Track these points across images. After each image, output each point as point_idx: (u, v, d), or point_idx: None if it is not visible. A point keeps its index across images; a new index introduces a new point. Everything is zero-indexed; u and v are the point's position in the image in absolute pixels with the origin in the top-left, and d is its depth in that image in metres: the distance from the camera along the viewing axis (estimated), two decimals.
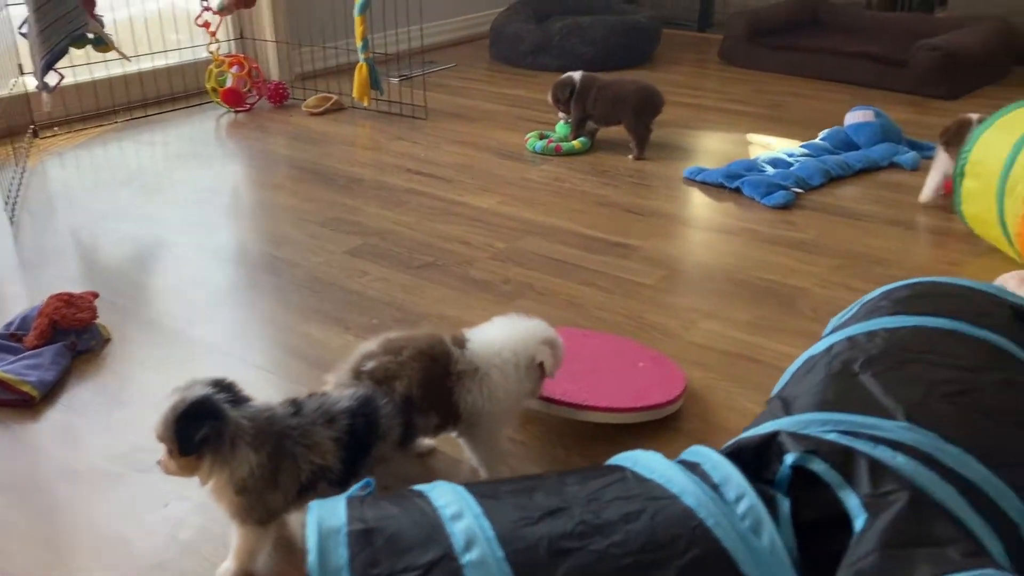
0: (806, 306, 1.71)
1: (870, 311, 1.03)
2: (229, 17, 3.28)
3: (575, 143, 2.65)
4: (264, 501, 1.00)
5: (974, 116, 2.15)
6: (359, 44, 2.98)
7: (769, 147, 2.68)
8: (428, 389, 1.12)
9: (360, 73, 3.01)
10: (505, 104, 3.23)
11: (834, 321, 1.13)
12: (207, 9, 2.96)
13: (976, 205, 1.90)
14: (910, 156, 2.49)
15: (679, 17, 4.59)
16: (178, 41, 3.16)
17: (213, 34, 3.00)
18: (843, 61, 3.45)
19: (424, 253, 1.98)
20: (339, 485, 1.06)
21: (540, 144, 2.66)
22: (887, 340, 0.92)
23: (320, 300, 1.77)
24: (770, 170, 2.40)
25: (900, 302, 1.01)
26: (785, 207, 2.21)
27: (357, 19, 2.94)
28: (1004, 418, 0.83)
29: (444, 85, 3.50)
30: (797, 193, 2.28)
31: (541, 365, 1.18)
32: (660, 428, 1.34)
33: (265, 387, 1.45)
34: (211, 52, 3.04)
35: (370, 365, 1.12)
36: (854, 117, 2.62)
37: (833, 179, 2.40)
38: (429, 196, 2.32)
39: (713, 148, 2.71)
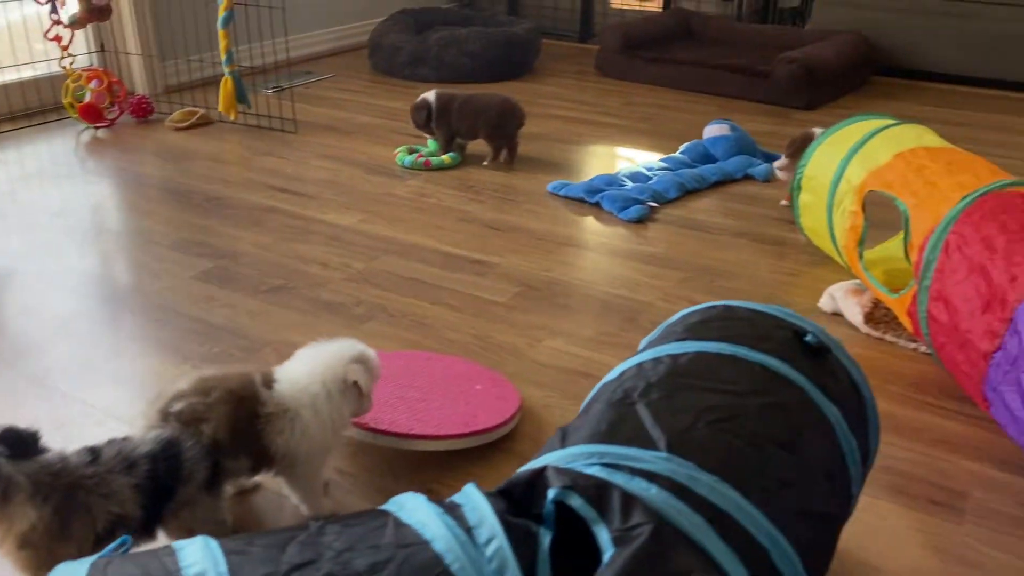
0: (647, 320, 1.76)
1: (665, 336, 1.06)
2: (90, 29, 3.16)
3: (445, 158, 2.66)
4: (54, 554, 0.96)
5: (817, 130, 2.25)
6: (223, 57, 2.91)
7: (633, 161, 2.75)
8: (236, 432, 1.10)
9: (225, 87, 2.95)
10: (380, 116, 3.21)
11: (642, 344, 1.17)
12: (57, 23, 2.84)
13: (811, 218, 1.99)
14: (763, 168, 2.59)
15: (560, 28, 4.65)
16: (45, 52, 3.02)
17: (65, 48, 2.88)
18: (711, 73, 3.56)
19: (276, 276, 1.95)
20: (142, 532, 1.03)
21: (409, 159, 2.66)
22: (669, 367, 0.96)
23: (160, 329, 1.72)
24: (629, 184, 2.46)
25: (690, 328, 1.05)
26: (640, 221, 2.27)
27: (220, 32, 2.88)
28: (766, 442, 0.86)
29: (320, 97, 3.45)
30: (652, 207, 2.34)
31: (356, 384, 1.17)
32: (492, 451, 1.35)
33: (91, 426, 1.40)
34: (64, 67, 2.92)
35: (178, 406, 1.10)
36: (711, 131, 2.71)
37: (689, 192, 2.47)
38: (289, 215, 2.29)
39: (581, 162, 2.75)
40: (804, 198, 1.99)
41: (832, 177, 1.86)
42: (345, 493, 1.27)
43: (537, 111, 3.30)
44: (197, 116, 3.05)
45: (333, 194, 2.44)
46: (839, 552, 1.15)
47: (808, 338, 1.04)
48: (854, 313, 1.75)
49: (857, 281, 1.84)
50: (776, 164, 2.33)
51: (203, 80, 3.36)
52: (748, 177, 2.59)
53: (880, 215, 1.89)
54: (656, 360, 0.98)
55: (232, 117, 3.01)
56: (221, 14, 2.85)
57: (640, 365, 0.99)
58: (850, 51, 3.56)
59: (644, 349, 1.09)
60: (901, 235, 1.98)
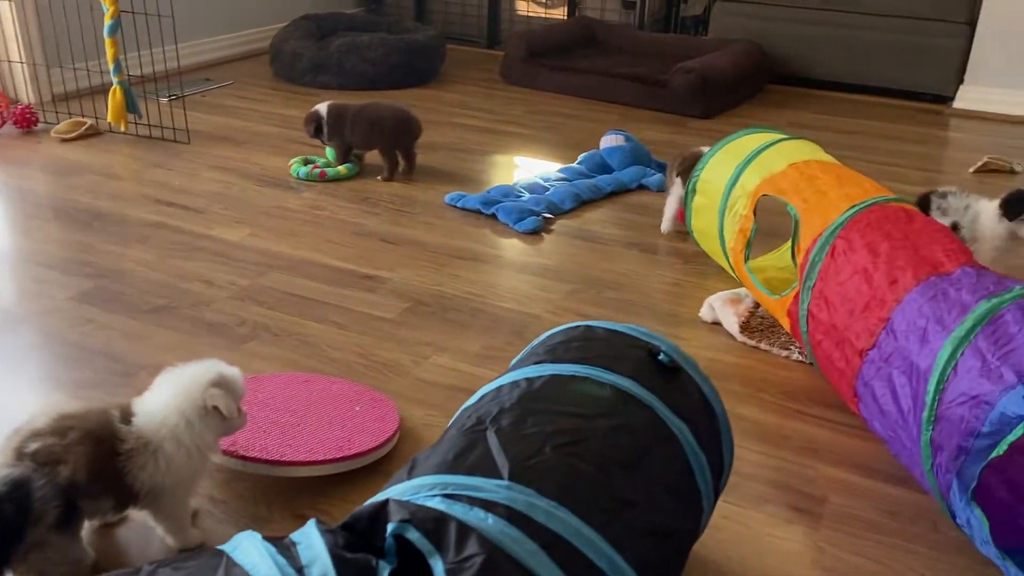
0: (533, 334, 1.77)
1: (528, 357, 1.08)
2: None
3: (341, 169, 2.63)
4: None
5: (704, 149, 2.30)
6: (111, 67, 2.83)
7: (532, 172, 2.77)
8: (96, 473, 1.07)
9: (114, 97, 2.86)
10: (278, 125, 3.16)
11: (512, 364, 1.18)
12: None
13: (702, 220, 2.04)
14: (656, 178, 2.64)
15: (467, 33, 4.66)
16: None
17: None
18: (612, 82, 3.61)
19: (158, 295, 1.90)
20: None
21: (304, 170, 2.62)
22: (524, 390, 0.97)
23: (32, 354, 1.66)
24: (526, 195, 2.48)
25: (551, 349, 1.07)
26: (535, 232, 2.29)
27: (107, 41, 2.79)
28: (610, 463, 0.89)
29: (217, 105, 3.38)
30: (548, 218, 2.37)
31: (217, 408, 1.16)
32: (370, 473, 1.35)
33: None
34: None
35: (34, 447, 1.06)
36: (607, 141, 2.76)
37: (584, 202, 2.51)
38: (175, 230, 2.24)
39: (480, 172, 2.77)
40: (698, 200, 2.05)
41: (727, 182, 1.92)
42: (217, 523, 1.25)
43: (440, 119, 3.30)
44: (85, 127, 2.95)
45: (222, 208, 2.39)
46: (703, 562, 1.19)
47: (661, 357, 1.07)
48: (731, 323, 1.81)
49: (735, 291, 1.90)
50: (672, 194, 2.33)
51: (92, 89, 3.24)
52: (642, 187, 2.64)
53: (768, 224, 1.95)
54: (514, 383, 0.99)
55: (122, 128, 2.92)
56: (107, 22, 2.77)
57: (499, 389, 1.00)
58: (745, 61, 3.67)
59: (511, 369, 1.11)
60: (781, 248, 2.07)
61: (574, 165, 2.74)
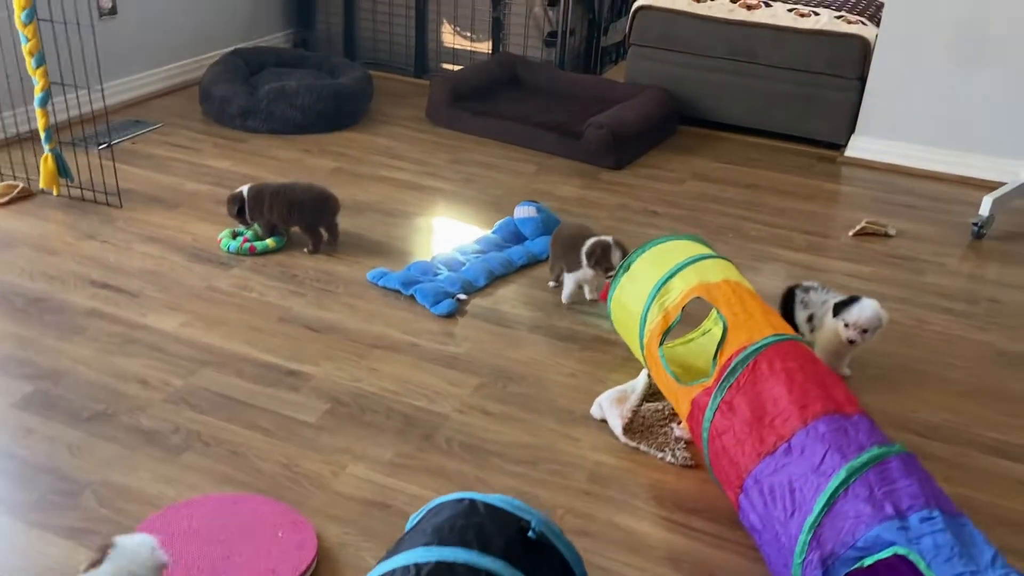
0: (442, 438, 2.00)
1: (417, 534, 1.30)
2: None
3: (269, 242, 2.79)
4: None
5: (609, 239, 2.50)
6: (43, 135, 2.92)
7: (450, 243, 2.97)
8: None
9: (46, 164, 2.97)
10: (208, 182, 3.28)
11: (410, 521, 1.40)
12: None
13: (630, 296, 2.19)
14: None
15: (396, 62, 4.78)
16: None
17: None
18: (532, 131, 3.81)
19: (97, 399, 2.06)
20: None
21: (234, 244, 2.77)
22: None
23: None
24: (444, 273, 2.68)
25: (436, 529, 1.29)
26: (451, 316, 2.50)
27: (38, 111, 2.88)
28: None
29: (147, 156, 3.48)
30: (462, 300, 2.57)
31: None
32: None
33: None
34: None
35: None
36: (520, 212, 2.96)
37: (498, 278, 2.72)
38: (111, 318, 2.38)
39: (404, 240, 2.95)
40: (625, 282, 2.22)
41: (666, 273, 2.11)
42: None
43: (366, 172, 3.46)
44: (18, 190, 3.03)
45: (155, 290, 2.54)
46: None
47: (530, 533, 1.30)
48: (615, 423, 2.05)
49: (621, 389, 2.14)
50: (573, 275, 2.56)
51: (8, 140, 3.28)
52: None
53: (688, 322, 2.17)
54: (405, 570, 1.21)
55: (55, 192, 3.02)
56: (38, 94, 2.86)
57: (393, 574, 1.22)
58: (655, 109, 3.90)
59: (408, 531, 1.33)
60: (684, 341, 2.30)
61: (489, 234, 2.95)
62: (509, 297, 2.63)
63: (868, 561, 1.41)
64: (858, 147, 3.91)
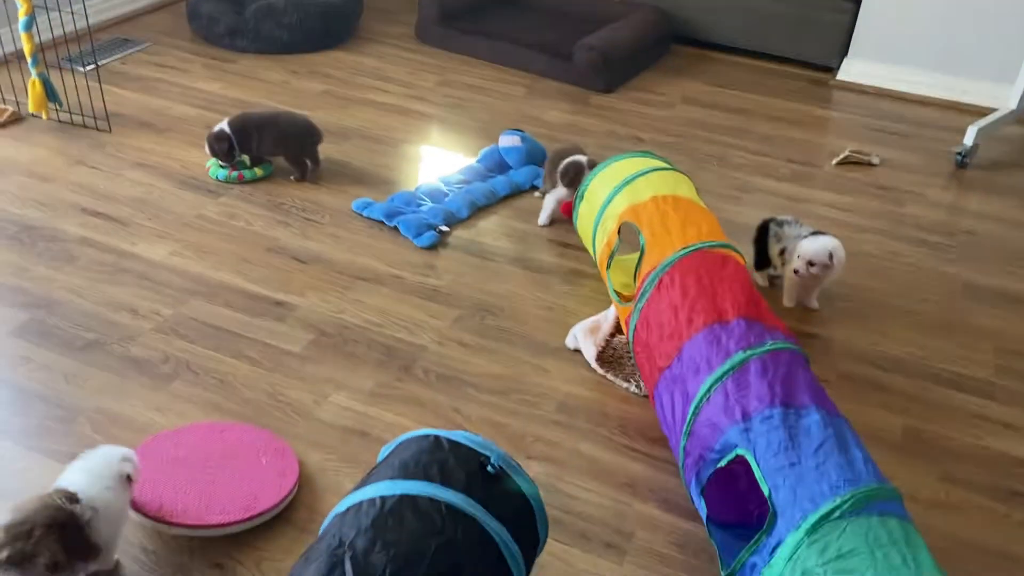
0: (420, 368, 2.09)
1: (384, 467, 1.40)
2: None
3: (257, 170, 2.83)
4: None
5: (580, 158, 2.58)
6: (29, 60, 2.92)
7: (435, 173, 3.00)
8: (71, 551, 1.39)
9: (34, 88, 2.98)
10: (198, 105, 3.29)
11: (380, 455, 1.49)
12: None
13: (583, 226, 2.41)
14: None
15: None
16: None
17: None
18: (522, 51, 3.78)
19: (90, 328, 2.15)
20: None
21: (223, 173, 2.81)
22: (377, 511, 1.29)
23: None
24: (427, 204, 2.73)
25: (403, 464, 1.38)
26: (433, 247, 2.56)
27: (23, 36, 2.88)
28: None
29: (136, 77, 3.48)
30: (444, 231, 2.62)
31: (128, 478, 1.53)
32: (276, 521, 1.67)
33: None
34: None
35: (3, 555, 1.35)
36: (504, 141, 2.98)
37: (480, 208, 2.77)
38: (102, 247, 2.45)
39: (388, 169, 2.98)
40: (582, 208, 2.39)
41: (603, 200, 2.27)
42: (145, 570, 1.58)
43: (352, 95, 3.46)
44: (8, 114, 3.05)
45: (145, 217, 2.59)
46: None
47: (489, 468, 1.40)
48: (590, 353, 2.14)
49: (594, 319, 2.22)
50: (552, 194, 2.65)
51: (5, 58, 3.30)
52: (535, 187, 2.90)
53: (631, 239, 2.23)
54: (371, 502, 1.31)
55: (44, 116, 3.04)
56: (22, 18, 2.85)
57: (359, 505, 1.32)
58: (646, 30, 3.85)
59: (377, 464, 1.43)
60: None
61: (474, 163, 2.98)
62: (491, 229, 2.69)
63: (722, 463, 1.57)
64: (850, 71, 3.88)
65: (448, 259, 2.52)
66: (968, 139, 3.18)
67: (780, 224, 2.42)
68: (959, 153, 3.21)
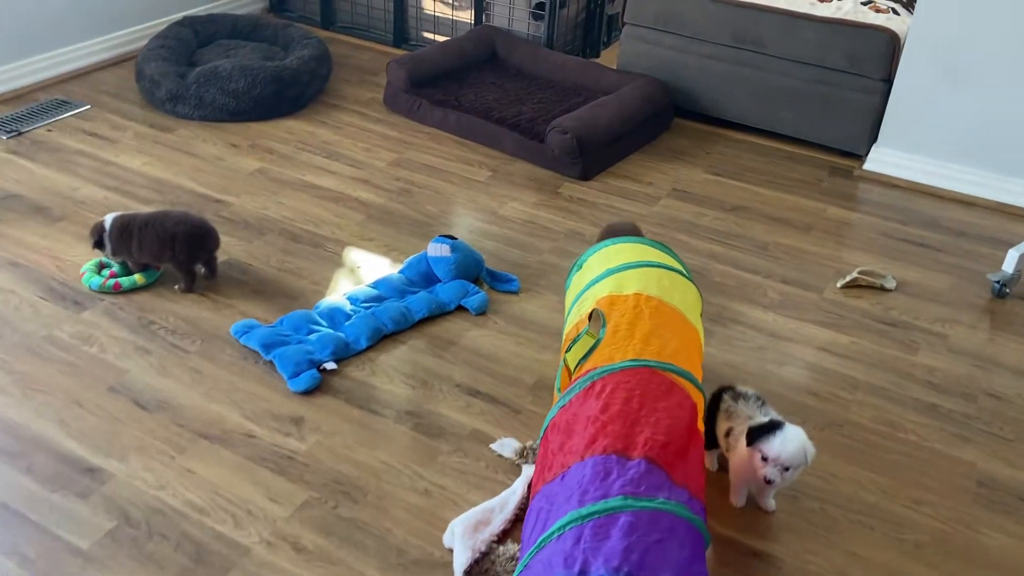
0: None
1: None
2: None
3: (137, 277, 2.42)
4: None
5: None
6: None
7: (354, 271, 2.56)
8: None
9: None
10: (109, 186, 2.92)
11: None
12: None
13: (568, 297, 2.13)
14: (478, 298, 2.43)
15: (375, 29, 4.30)
16: None
17: None
18: (492, 128, 3.31)
19: None
20: None
21: (97, 280, 2.40)
22: None
23: None
24: (322, 328, 2.28)
25: None
26: (308, 392, 2.10)
27: None
28: None
29: (56, 148, 3.13)
30: (330, 370, 2.17)
31: None
32: None
33: None
34: None
35: None
36: (433, 250, 2.52)
37: (386, 336, 2.31)
38: None
39: (297, 274, 2.54)
40: (575, 279, 2.13)
41: (590, 279, 2.02)
42: None
43: (289, 175, 3.05)
44: None
45: None
46: None
47: None
48: (459, 562, 1.65)
49: (485, 507, 1.77)
50: None
51: None
52: (462, 308, 2.43)
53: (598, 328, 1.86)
54: None
55: None
56: None
57: None
58: (639, 106, 3.33)
59: None
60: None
61: (395, 274, 2.52)
62: (390, 366, 2.22)
63: None
64: (880, 159, 3.30)
65: (323, 410, 2.06)
66: (1008, 265, 2.58)
67: (736, 397, 1.88)
68: (997, 281, 2.61)
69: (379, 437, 1.99)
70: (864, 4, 3.25)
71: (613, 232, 2.40)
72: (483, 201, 2.99)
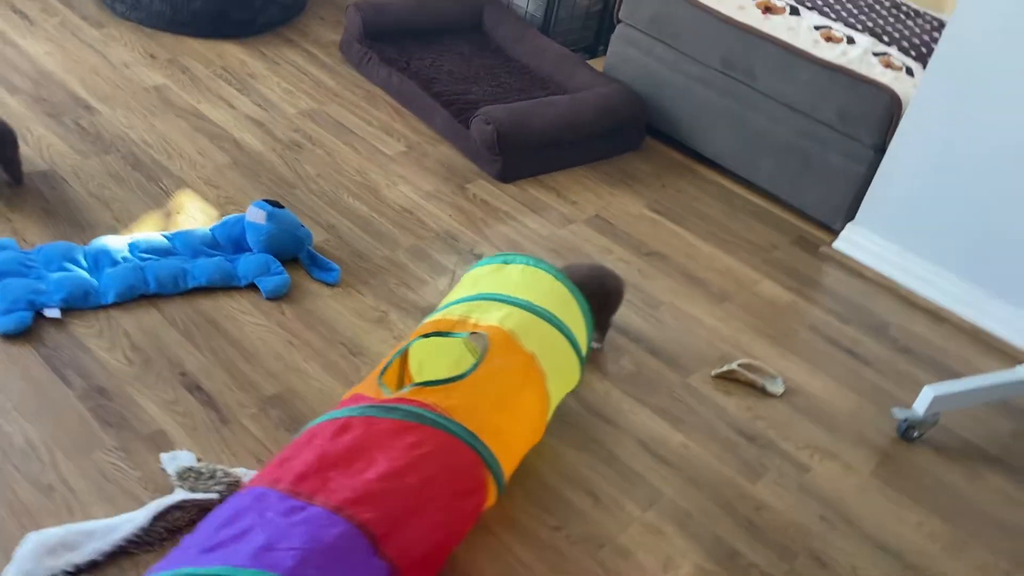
0: None
1: None
2: None
3: None
4: None
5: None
6: None
7: (170, 219, 2.26)
8: None
9: None
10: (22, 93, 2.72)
11: None
12: None
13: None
14: (275, 280, 2.09)
15: None
16: None
17: None
18: (428, 102, 2.95)
19: None
20: None
21: None
22: None
23: None
24: (75, 271, 1.99)
25: None
26: (9, 335, 1.82)
27: None
28: None
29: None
30: (50, 317, 1.88)
31: None
32: None
33: None
34: None
35: None
36: (251, 214, 2.19)
37: (143, 296, 2.00)
38: None
39: (108, 204, 2.26)
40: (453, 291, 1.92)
41: (461, 295, 1.82)
42: None
43: (185, 101, 2.77)
44: None
45: None
46: None
47: None
48: None
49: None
50: None
51: None
52: (255, 285, 2.10)
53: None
54: None
55: None
56: None
57: None
58: (594, 115, 2.89)
59: None
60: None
61: (202, 230, 2.20)
62: (122, 331, 1.90)
63: None
64: (851, 240, 2.77)
65: (7, 358, 1.77)
66: (920, 405, 2.06)
67: None
68: (904, 420, 2.09)
69: (46, 408, 1.69)
70: (876, 55, 2.70)
71: (572, 274, 1.99)
72: (373, 176, 2.64)
